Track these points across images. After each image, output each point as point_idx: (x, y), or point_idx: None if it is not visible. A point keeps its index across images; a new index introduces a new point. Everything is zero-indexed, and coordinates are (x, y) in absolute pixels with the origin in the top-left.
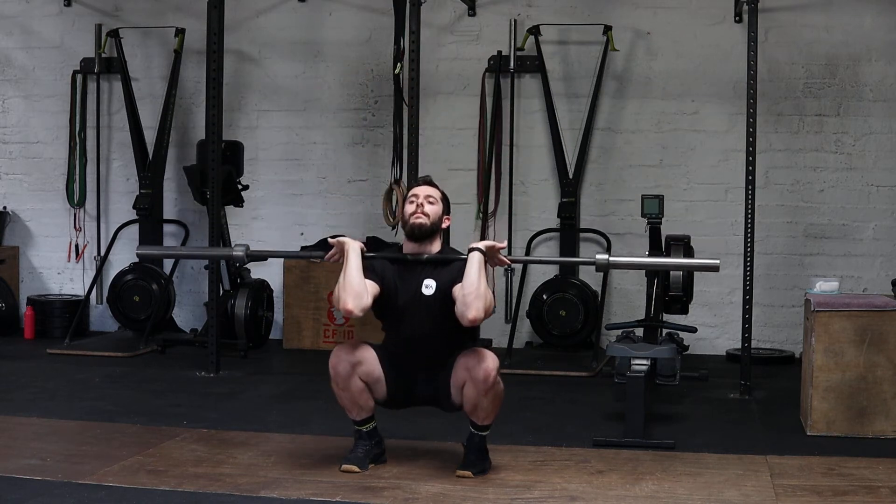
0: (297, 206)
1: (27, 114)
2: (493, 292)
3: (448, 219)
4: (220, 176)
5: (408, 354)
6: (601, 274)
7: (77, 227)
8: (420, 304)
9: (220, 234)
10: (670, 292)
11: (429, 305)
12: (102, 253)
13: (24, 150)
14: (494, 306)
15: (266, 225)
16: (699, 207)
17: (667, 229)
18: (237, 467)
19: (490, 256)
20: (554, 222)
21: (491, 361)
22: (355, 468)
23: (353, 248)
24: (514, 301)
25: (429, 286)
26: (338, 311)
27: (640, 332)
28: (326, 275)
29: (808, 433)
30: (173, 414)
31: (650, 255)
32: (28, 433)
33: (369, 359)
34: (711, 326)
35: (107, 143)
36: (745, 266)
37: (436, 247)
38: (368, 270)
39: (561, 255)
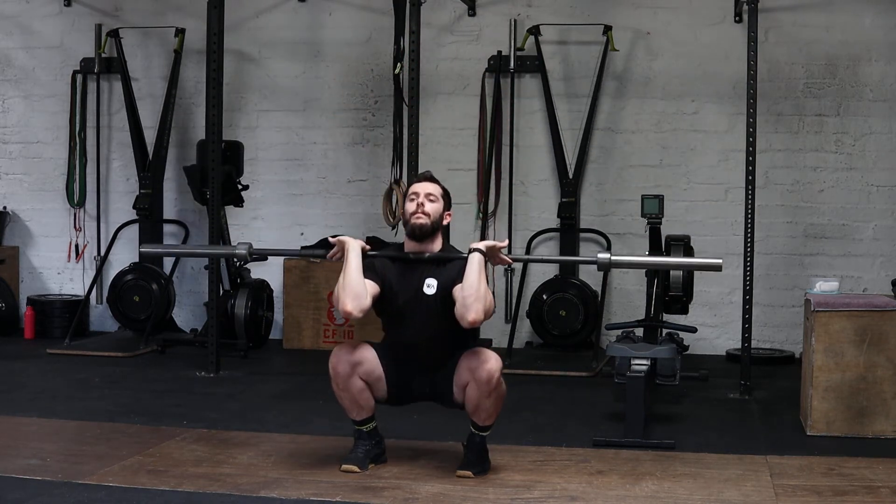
0: (297, 206)
1: (27, 114)
2: (494, 293)
3: (449, 214)
4: (220, 176)
5: (409, 354)
6: (601, 274)
7: (77, 227)
8: (422, 303)
9: (220, 234)
10: (670, 292)
11: (430, 305)
12: (102, 253)
13: (24, 150)
14: (494, 307)
15: (266, 225)
16: (699, 207)
17: (667, 229)
18: (237, 467)
19: (491, 256)
20: (554, 222)
21: (494, 363)
22: (355, 468)
23: (354, 248)
24: (514, 301)
25: (430, 285)
26: (337, 311)
27: (640, 332)
28: (326, 275)
29: (808, 433)
30: (173, 414)
31: (651, 254)
32: (28, 433)
33: (369, 358)
34: (711, 326)
35: (107, 143)
36: (745, 266)
37: (437, 245)
38: (369, 270)
39: (561, 255)
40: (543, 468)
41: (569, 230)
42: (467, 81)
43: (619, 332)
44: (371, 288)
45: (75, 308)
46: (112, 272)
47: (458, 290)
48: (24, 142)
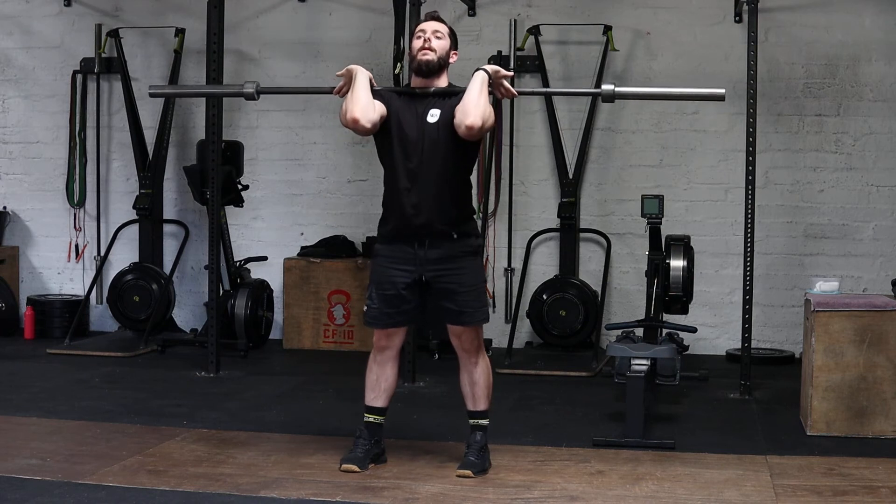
0: (297, 206)
1: (27, 114)
2: (493, 293)
3: (455, 53)
4: (220, 176)
5: (410, 194)
6: (601, 274)
7: (77, 227)
8: (425, 131)
9: (219, 234)
10: (670, 292)
11: (433, 134)
12: (102, 253)
13: (24, 150)
14: (493, 123)
15: (266, 225)
16: (699, 207)
17: (667, 229)
18: (237, 467)
19: (495, 84)
20: (554, 222)
21: (474, 331)
22: (355, 468)
23: (362, 72)
24: (514, 301)
25: (434, 115)
26: (344, 124)
27: (640, 332)
28: (326, 275)
29: (808, 433)
30: (173, 414)
31: (650, 252)
32: (28, 433)
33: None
34: (711, 326)
35: (107, 143)
36: (745, 266)
37: (443, 82)
38: (375, 95)
39: (561, 256)
40: (543, 468)
41: (569, 230)
42: (467, 81)
43: (619, 332)
44: (378, 107)
45: (75, 308)
46: (112, 272)
47: (459, 107)
48: (24, 142)
